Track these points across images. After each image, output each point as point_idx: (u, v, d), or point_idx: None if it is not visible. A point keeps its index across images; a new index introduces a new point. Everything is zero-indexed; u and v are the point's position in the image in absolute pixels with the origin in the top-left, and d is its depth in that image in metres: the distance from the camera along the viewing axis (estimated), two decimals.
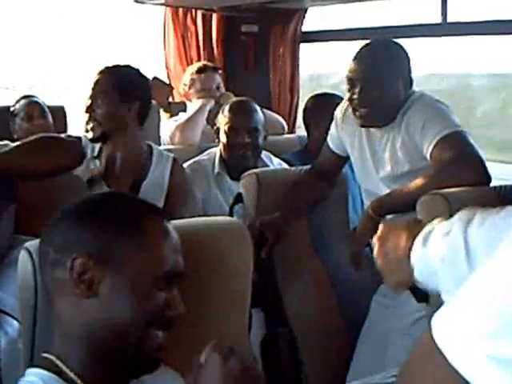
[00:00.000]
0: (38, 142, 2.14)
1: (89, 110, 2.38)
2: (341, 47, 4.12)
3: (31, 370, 1.14)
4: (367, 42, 2.32)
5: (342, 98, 2.61)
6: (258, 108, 2.93)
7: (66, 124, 3.71)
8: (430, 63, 3.71)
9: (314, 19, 4.08)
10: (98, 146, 2.44)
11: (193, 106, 3.65)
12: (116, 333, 1.12)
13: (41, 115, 3.42)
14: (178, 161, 2.56)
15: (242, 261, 1.58)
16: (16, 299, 1.37)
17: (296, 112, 4.11)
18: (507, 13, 3.06)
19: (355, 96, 2.22)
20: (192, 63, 4.09)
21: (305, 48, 4.09)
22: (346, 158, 2.51)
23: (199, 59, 4.17)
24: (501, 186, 1.98)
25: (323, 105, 3.03)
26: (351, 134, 2.41)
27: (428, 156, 2.11)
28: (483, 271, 0.72)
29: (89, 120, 2.38)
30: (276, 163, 3.05)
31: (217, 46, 4.23)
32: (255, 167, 2.73)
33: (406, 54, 2.26)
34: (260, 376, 1.13)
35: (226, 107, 2.91)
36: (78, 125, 3.72)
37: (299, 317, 2.41)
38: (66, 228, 1.15)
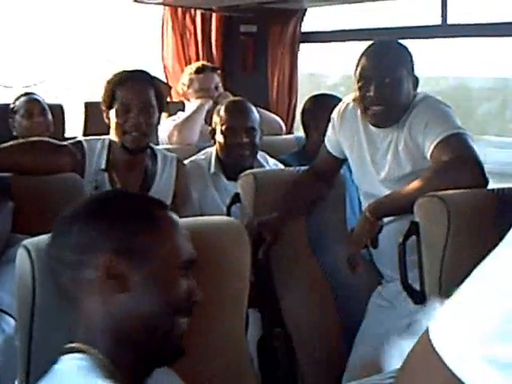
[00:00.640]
0: (35, 143, 2.16)
1: (134, 120, 2.33)
2: (339, 48, 4.13)
3: (65, 357, 1.13)
4: (374, 41, 2.31)
5: (340, 99, 2.61)
6: (253, 107, 2.93)
7: (63, 123, 3.71)
8: (429, 65, 3.71)
9: (313, 20, 4.08)
10: (104, 156, 2.40)
11: (191, 105, 3.65)
12: (146, 323, 1.15)
13: (41, 113, 3.43)
14: (181, 161, 2.57)
15: (240, 261, 1.58)
16: (12, 297, 1.37)
17: (294, 113, 4.11)
18: (507, 15, 3.06)
19: (370, 94, 2.20)
20: (190, 63, 4.09)
21: (304, 48, 4.10)
22: (344, 160, 2.51)
23: (198, 59, 4.17)
24: (498, 189, 1.98)
25: (322, 106, 3.02)
26: (349, 136, 2.40)
27: (429, 156, 2.11)
28: (480, 273, 0.72)
29: (130, 130, 2.34)
30: (272, 164, 3.04)
31: (215, 46, 4.24)
32: (251, 167, 2.74)
33: (411, 54, 2.27)
34: None
35: (222, 108, 2.91)
36: (75, 123, 3.74)
37: (296, 317, 2.41)
38: (82, 229, 1.16)
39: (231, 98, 3.26)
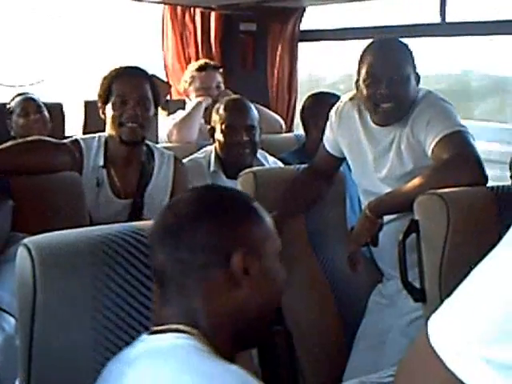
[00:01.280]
0: (34, 142, 2.16)
1: (130, 111, 2.36)
2: (338, 46, 4.13)
3: (167, 335, 1.12)
4: (374, 39, 2.31)
5: (339, 98, 2.60)
6: (252, 105, 2.93)
7: (63, 121, 3.71)
8: (428, 63, 3.71)
9: (312, 18, 4.08)
10: (102, 153, 2.41)
11: (191, 103, 3.65)
12: (260, 313, 1.19)
13: (36, 110, 3.43)
14: (178, 159, 2.57)
15: None
16: (12, 296, 1.37)
17: (294, 111, 4.11)
18: (505, 13, 3.06)
19: (381, 91, 2.19)
20: (190, 61, 4.09)
21: (303, 47, 4.10)
22: (343, 159, 2.50)
23: (197, 57, 4.17)
24: (497, 187, 1.98)
25: (321, 104, 3.02)
26: (348, 135, 2.40)
27: (430, 153, 2.11)
28: (479, 273, 0.72)
29: (126, 122, 2.36)
30: (271, 162, 3.04)
31: (215, 44, 4.24)
32: (251, 166, 2.73)
33: (412, 52, 2.27)
34: None
35: (221, 106, 2.90)
36: (75, 122, 3.73)
37: (296, 315, 2.41)
38: (209, 230, 1.16)
39: (231, 96, 3.26)
